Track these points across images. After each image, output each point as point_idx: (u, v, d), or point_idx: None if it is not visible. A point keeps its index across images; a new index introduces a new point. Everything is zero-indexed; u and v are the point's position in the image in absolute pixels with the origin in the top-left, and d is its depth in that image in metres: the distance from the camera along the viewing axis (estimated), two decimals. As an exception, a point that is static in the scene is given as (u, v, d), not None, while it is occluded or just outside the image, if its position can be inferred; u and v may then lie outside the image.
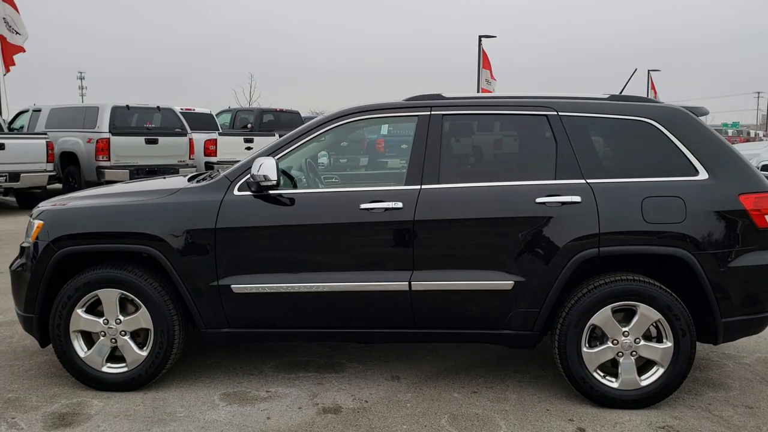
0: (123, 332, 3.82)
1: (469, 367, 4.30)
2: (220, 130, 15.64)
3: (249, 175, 3.75)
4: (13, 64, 15.12)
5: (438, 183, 3.75)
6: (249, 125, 17.17)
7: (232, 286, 3.73)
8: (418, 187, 3.74)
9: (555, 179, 3.71)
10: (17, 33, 15.08)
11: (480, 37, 24.90)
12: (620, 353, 3.63)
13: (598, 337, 3.68)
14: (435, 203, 3.70)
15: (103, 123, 12.55)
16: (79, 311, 3.81)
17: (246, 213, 3.76)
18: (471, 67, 25.12)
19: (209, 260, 3.74)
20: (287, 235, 3.76)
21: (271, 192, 3.77)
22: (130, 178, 12.05)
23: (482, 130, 4.33)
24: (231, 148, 14.30)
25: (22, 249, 4.03)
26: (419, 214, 3.68)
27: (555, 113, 3.82)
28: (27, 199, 12.48)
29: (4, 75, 15.11)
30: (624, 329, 3.61)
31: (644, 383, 3.63)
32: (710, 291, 3.60)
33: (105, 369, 3.85)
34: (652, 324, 3.61)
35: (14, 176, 11.47)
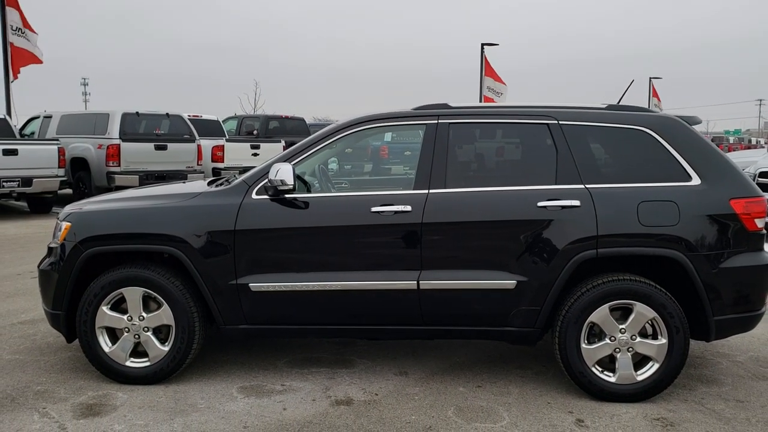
0: (146, 328, 4.03)
1: (473, 363, 4.50)
2: (227, 137, 15.88)
3: (266, 180, 3.96)
4: (19, 68, 15.21)
5: (445, 188, 3.95)
6: (255, 132, 17.43)
7: (251, 284, 3.94)
8: (426, 191, 3.94)
9: (555, 184, 3.92)
10: (27, 40, 15.27)
11: (482, 45, 24.67)
12: (617, 349, 3.82)
13: (596, 334, 3.87)
14: (442, 207, 3.91)
15: (114, 129, 12.80)
16: (105, 308, 4.02)
17: (263, 215, 3.97)
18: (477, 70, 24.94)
19: (228, 260, 3.95)
20: (302, 236, 3.97)
21: (287, 196, 3.98)
22: (140, 184, 12.28)
23: (486, 138, 4.53)
24: (238, 154, 14.58)
25: (50, 249, 4.25)
26: (427, 217, 3.88)
27: (555, 122, 4.03)
28: (38, 203, 12.74)
29: (12, 82, 15.30)
30: (621, 326, 3.81)
31: (640, 378, 3.83)
32: (703, 290, 3.80)
33: (128, 363, 4.05)
34: (647, 321, 3.80)
35: (27, 181, 11.71)
